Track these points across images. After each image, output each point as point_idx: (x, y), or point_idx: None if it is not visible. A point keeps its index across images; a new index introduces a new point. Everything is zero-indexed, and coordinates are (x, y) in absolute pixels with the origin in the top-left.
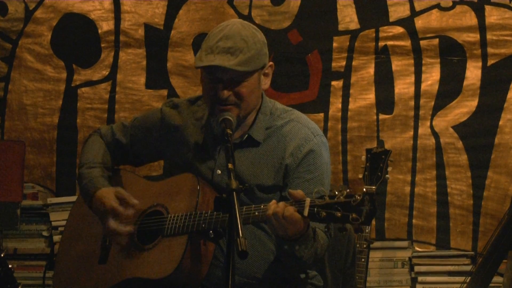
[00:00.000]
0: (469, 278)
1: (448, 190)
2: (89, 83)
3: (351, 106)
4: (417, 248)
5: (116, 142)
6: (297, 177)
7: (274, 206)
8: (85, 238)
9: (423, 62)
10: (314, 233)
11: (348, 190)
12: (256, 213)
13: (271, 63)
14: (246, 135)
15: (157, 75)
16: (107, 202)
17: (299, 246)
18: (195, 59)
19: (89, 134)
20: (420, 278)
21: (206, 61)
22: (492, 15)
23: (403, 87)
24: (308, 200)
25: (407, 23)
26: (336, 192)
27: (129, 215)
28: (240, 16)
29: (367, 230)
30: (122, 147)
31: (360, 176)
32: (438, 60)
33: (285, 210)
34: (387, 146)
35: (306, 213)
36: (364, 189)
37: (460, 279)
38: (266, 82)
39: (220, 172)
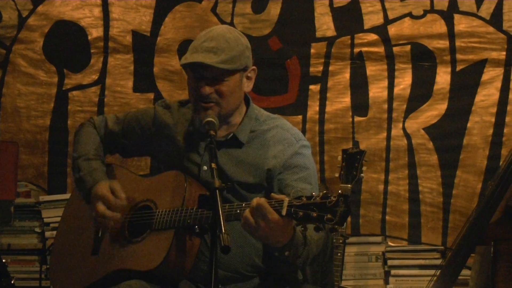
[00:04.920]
0: (439, 271)
1: (420, 188)
2: (80, 87)
3: (328, 109)
4: (390, 243)
5: (109, 132)
6: (283, 178)
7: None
8: (79, 231)
9: (396, 67)
10: (305, 238)
11: (325, 192)
12: (238, 211)
13: (254, 67)
14: (231, 135)
15: (144, 80)
16: (99, 191)
17: (289, 251)
18: (181, 59)
19: (81, 124)
20: (393, 271)
21: (190, 58)
22: (461, 23)
23: (377, 91)
24: (286, 200)
25: (380, 30)
26: (313, 194)
27: (118, 204)
28: (223, 23)
29: (343, 226)
30: (113, 137)
31: (337, 175)
32: (410, 65)
33: (258, 201)
34: (362, 146)
35: (284, 212)
36: (340, 191)
37: (431, 272)
38: (248, 85)
39: (206, 168)
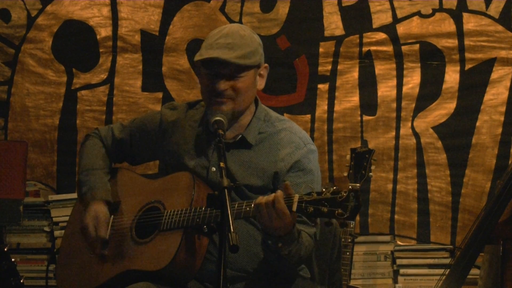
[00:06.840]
0: (448, 270)
1: (428, 187)
2: (88, 86)
3: (337, 108)
4: (399, 242)
5: (116, 142)
6: (288, 181)
7: (267, 196)
8: None
9: (405, 66)
10: (299, 234)
11: (334, 188)
12: (247, 209)
13: (266, 64)
14: (240, 136)
15: (152, 79)
16: (85, 219)
17: (282, 244)
18: (195, 56)
19: (86, 136)
20: (401, 271)
21: (205, 54)
22: (470, 22)
23: (385, 90)
24: (296, 196)
25: (389, 29)
26: (323, 189)
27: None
28: (231, 22)
29: (351, 226)
30: (121, 147)
31: (345, 174)
32: (419, 64)
33: (275, 199)
34: (370, 146)
35: (294, 208)
36: (350, 186)
37: (440, 271)
38: (261, 83)
39: (214, 169)
